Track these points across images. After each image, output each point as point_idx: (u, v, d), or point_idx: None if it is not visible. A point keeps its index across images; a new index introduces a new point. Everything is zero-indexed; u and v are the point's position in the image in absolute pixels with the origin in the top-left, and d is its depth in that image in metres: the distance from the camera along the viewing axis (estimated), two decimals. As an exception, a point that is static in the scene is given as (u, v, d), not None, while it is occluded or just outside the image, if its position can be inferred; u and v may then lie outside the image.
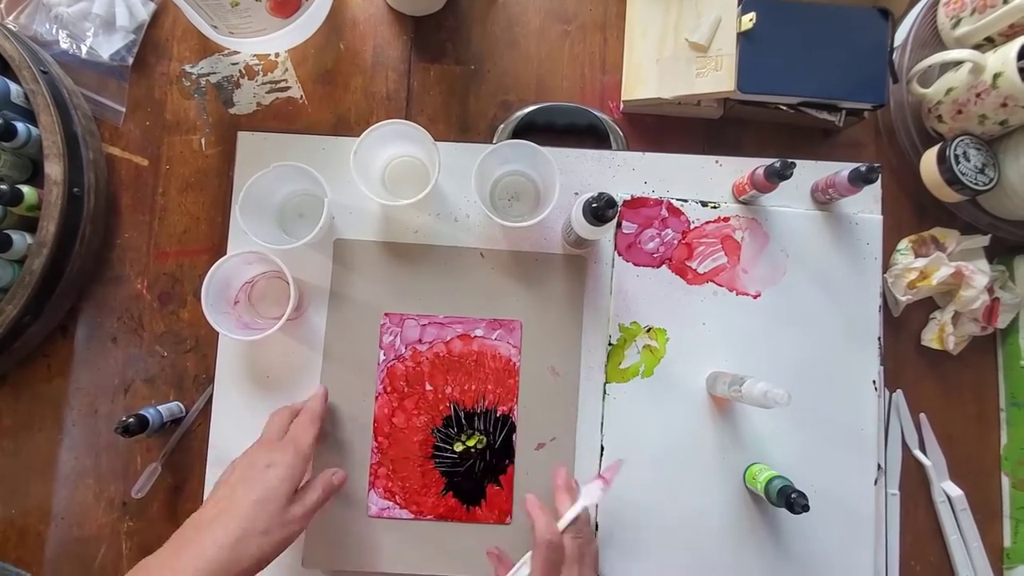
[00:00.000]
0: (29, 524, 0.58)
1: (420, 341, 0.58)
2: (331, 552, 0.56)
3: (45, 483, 0.58)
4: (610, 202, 0.47)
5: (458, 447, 0.57)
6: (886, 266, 0.61)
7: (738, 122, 0.63)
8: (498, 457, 0.57)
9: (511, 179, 0.60)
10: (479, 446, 0.57)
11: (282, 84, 0.63)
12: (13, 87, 0.55)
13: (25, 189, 0.54)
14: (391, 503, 0.56)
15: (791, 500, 0.49)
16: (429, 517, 0.56)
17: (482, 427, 0.58)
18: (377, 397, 0.57)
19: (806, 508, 0.48)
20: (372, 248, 0.59)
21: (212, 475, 0.57)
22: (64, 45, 0.61)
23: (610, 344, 0.58)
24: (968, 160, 0.57)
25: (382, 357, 0.58)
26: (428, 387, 0.58)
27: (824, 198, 0.59)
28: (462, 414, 0.58)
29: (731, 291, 0.59)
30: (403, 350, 0.58)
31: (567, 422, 0.58)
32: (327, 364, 0.58)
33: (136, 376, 0.59)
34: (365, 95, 0.63)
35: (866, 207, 0.60)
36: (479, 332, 0.58)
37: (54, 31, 0.61)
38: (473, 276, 0.59)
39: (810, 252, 0.59)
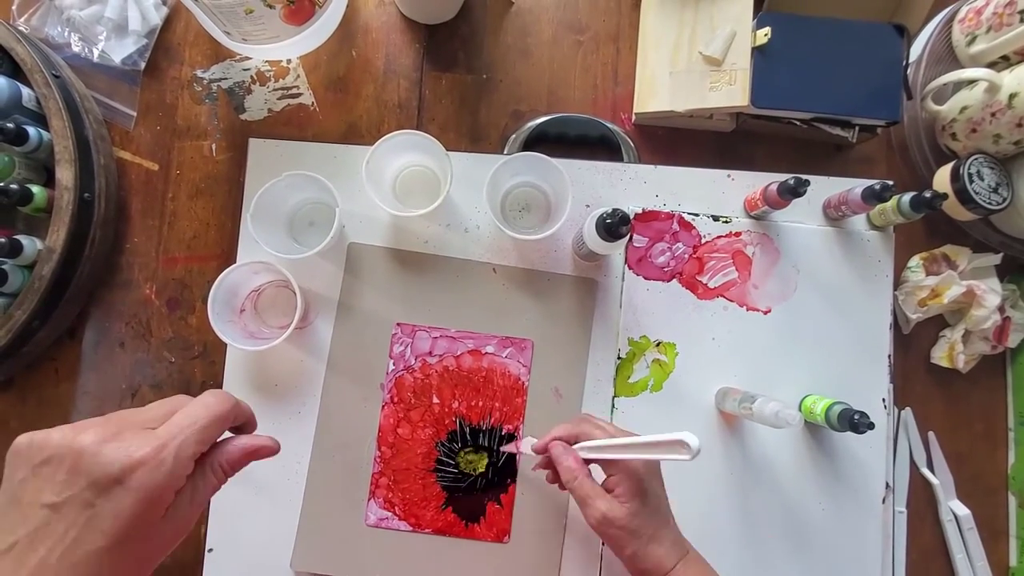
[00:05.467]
0: (34, 528, 0.58)
1: (430, 353, 0.58)
2: (322, 556, 0.56)
3: (51, 487, 0.58)
4: (624, 218, 0.47)
5: (460, 463, 0.57)
6: (897, 283, 0.61)
7: (751, 136, 0.63)
8: (500, 476, 0.57)
9: (522, 190, 0.60)
10: (477, 469, 0.57)
11: (294, 90, 0.62)
12: (25, 91, 0.55)
13: (35, 189, 0.54)
14: (390, 514, 0.56)
15: (855, 422, 0.48)
16: (427, 531, 0.56)
17: (486, 444, 0.57)
18: (383, 406, 0.57)
19: (871, 426, 0.48)
20: (385, 255, 0.59)
21: (218, 482, 0.57)
22: (76, 48, 0.60)
23: (619, 358, 0.58)
24: (982, 179, 0.57)
25: (391, 367, 0.58)
26: (435, 400, 0.58)
27: (836, 214, 0.58)
28: (467, 430, 0.57)
29: (741, 306, 0.58)
30: (413, 361, 0.58)
31: None
32: (331, 371, 0.57)
33: (143, 381, 0.59)
34: (377, 103, 0.63)
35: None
36: (490, 349, 0.58)
37: (66, 34, 0.61)
38: (485, 290, 0.59)
39: (821, 268, 0.59)
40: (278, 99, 0.62)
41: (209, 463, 0.32)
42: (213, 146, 0.62)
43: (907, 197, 0.54)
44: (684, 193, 0.60)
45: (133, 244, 0.61)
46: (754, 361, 0.58)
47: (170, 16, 0.62)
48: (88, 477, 0.27)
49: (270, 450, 0.35)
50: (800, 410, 0.56)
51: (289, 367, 0.58)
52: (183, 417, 0.31)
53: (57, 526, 0.27)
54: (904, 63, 0.57)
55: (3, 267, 0.52)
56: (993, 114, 0.55)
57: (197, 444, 0.30)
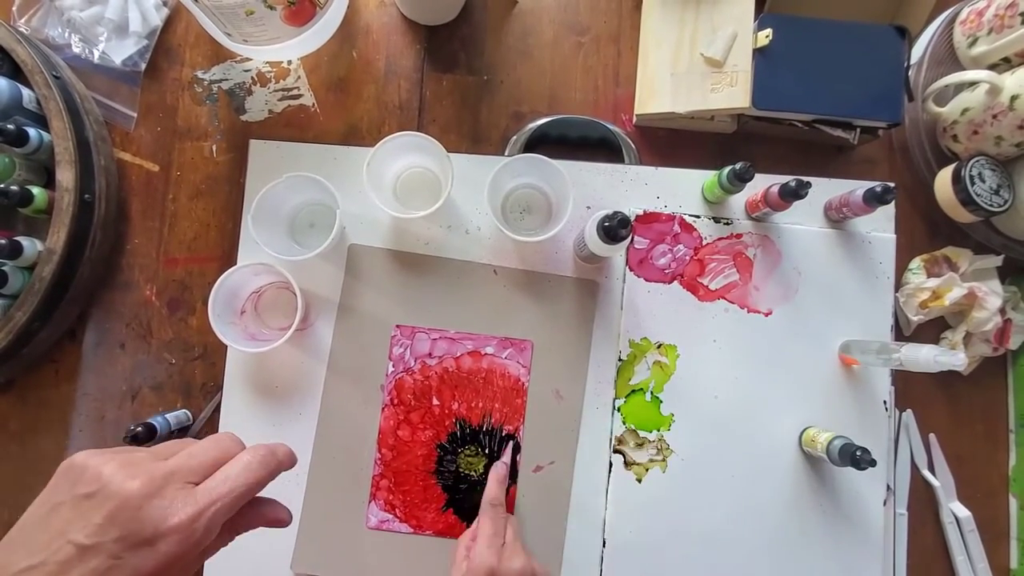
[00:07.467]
0: (34, 530, 0.58)
1: (430, 355, 0.58)
2: (323, 558, 0.56)
3: (51, 489, 0.58)
4: (623, 221, 0.47)
5: (461, 464, 0.57)
6: (898, 285, 0.61)
7: (752, 137, 0.63)
8: None
9: (523, 192, 0.60)
10: (477, 470, 0.57)
11: (294, 91, 0.62)
12: (25, 92, 0.55)
13: (35, 190, 0.54)
14: (391, 516, 0.56)
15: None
16: (428, 533, 0.56)
17: (487, 445, 0.57)
18: (383, 409, 0.57)
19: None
20: (385, 256, 0.59)
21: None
22: (76, 49, 0.60)
23: (620, 360, 0.58)
24: (983, 181, 0.57)
25: (391, 369, 0.58)
26: (435, 402, 0.58)
27: (838, 216, 0.58)
28: (468, 431, 0.57)
29: (742, 308, 0.58)
30: (412, 363, 0.58)
31: (567, 447, 0.57)
32: (331, 373, 0.57)
33: (144, 383, 0.59)
34: (377, 104, 0.63)
35: (879, 225, 0.60)
36: (489, 350, 0.58)
37: (66, 35, 0.61)
38: (485, 292, 0.58)
39: (822, 270, 0.59)
40: (279, 100, 0.62)
41: (231, 526, 0.32)
42: (214, 147, 0.61)
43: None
44: (685, 195, 0.60)
45: (134, 245, 0.61)
46: (755, 363, 0.58)
47: (171, 17, 0.62)
48: (121, 530, 0.27)
49: (285, 523, 0.36)
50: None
51: (289, 369, 0.58)
52: (224, 481, 0.30)
53: (79, 567, 0.27)
54: (905, 65, 0.57)
55: (3, 268, 0.52)
56: (995, 116, 0.55)
57: (230, 512, 0.30)
